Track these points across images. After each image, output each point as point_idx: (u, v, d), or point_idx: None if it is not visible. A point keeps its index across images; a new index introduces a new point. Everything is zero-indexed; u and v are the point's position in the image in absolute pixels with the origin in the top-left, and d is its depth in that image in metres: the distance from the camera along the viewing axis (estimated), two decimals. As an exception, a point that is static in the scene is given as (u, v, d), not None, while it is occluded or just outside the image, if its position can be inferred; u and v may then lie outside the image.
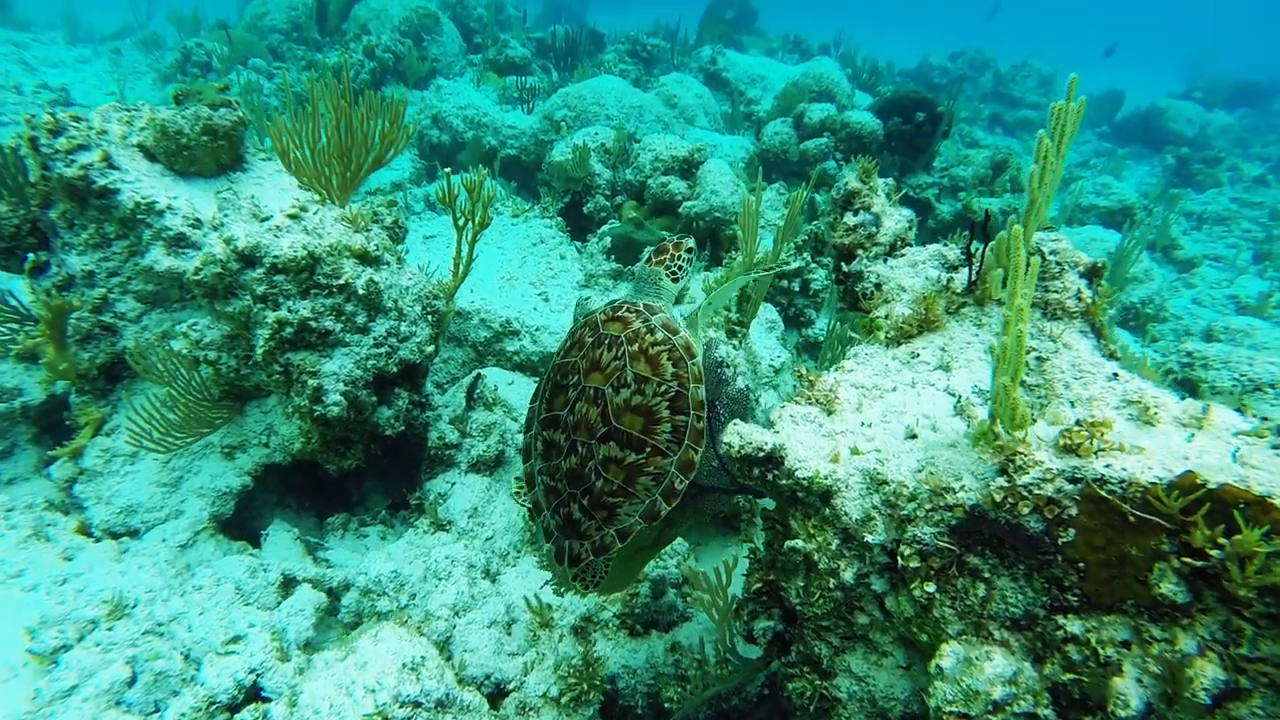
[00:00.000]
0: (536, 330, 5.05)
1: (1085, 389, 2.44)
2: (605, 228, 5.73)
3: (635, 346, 2.48)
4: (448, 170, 3.92)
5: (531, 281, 5.42)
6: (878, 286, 2.88)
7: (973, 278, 2.72)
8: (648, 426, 2.40)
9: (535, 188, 9.33)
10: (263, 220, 3.26)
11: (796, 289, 5.53)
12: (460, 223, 3.86)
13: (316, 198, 3.59)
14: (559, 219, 6.17)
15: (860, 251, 2.95)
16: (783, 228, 4.37)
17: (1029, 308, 1.80)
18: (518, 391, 4.74)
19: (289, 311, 3.20)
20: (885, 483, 2.07)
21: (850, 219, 2.97)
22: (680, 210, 6.33)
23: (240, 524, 4.03)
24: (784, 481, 2.18)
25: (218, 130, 3.99)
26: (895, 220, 3.00)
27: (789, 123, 9.19)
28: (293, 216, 3.28)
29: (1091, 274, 2.68)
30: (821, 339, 5.65)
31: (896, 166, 9.50)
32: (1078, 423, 1.79)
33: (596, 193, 6.89)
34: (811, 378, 2.61)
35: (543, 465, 2.55)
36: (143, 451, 3.56)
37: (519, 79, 11.41)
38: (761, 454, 2.19)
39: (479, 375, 4.36)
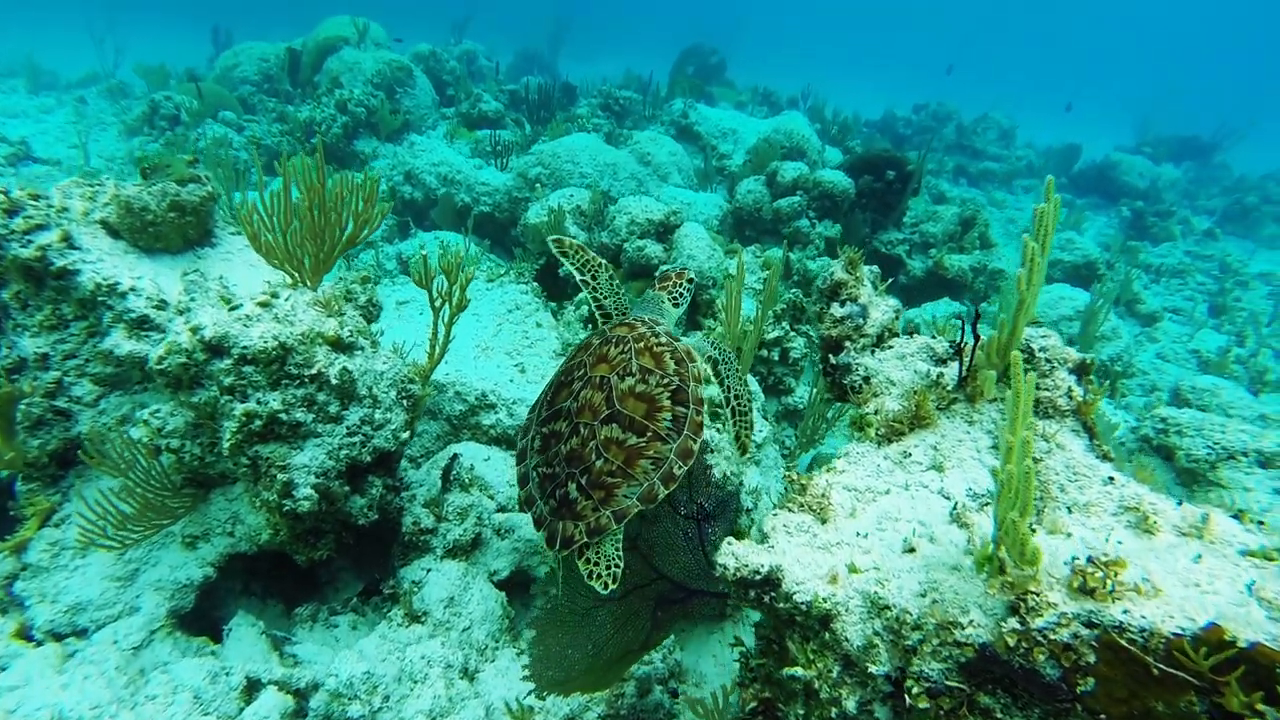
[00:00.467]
0: (513, 404, 4.94)
1: (1081, 493, 2.40)
2: (582, 295, 5.66)
3: (641, 344, 2.62)
4: (424, 252, 3.84)
5: (507, 351, 5.32)
6: (866, 380, 2.84)
7: (963, 373, 2.70)
8: (650, 413, 2.47)
9: (509, 245, 9.30)
10: (232, 308, 3.13)
11: (775, 357, 5.50)
12: (437, 304, 3.76)
13: (288, 280, 3.48)
14: (534, 284, 6.11)
15: (848, 343, 2.92)
16: (762, 304, 4.33)
17: (1034, 439, 1.76)
18: (494, 468, 4.61)
19: (258, 404, 3.06)
20: (887, 608, 1.99)
21: (837, 310, 2.94)
22: (656, 273, 6.30)
23: (201, 614, 3.81)
24: (782, 605, 2.09)
25: (185, 207, 3.88)
26: (882, 311, 2.97)
27: (762, 180, 9.30)
28: (263, 304, 3.16)
29: (1080, 371, 2.67)
30: (801, 407, 5.61)
31: (868, 223, 9.65)
32: (1090, 560, 1.73)
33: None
34: (803, 481, 2.54)
35: (538, 460, 2.58)
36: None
37: (492, 133, 11.44)
38: (758, 576, 2.10)
39: (455, 456, 4.23)
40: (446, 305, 3.76)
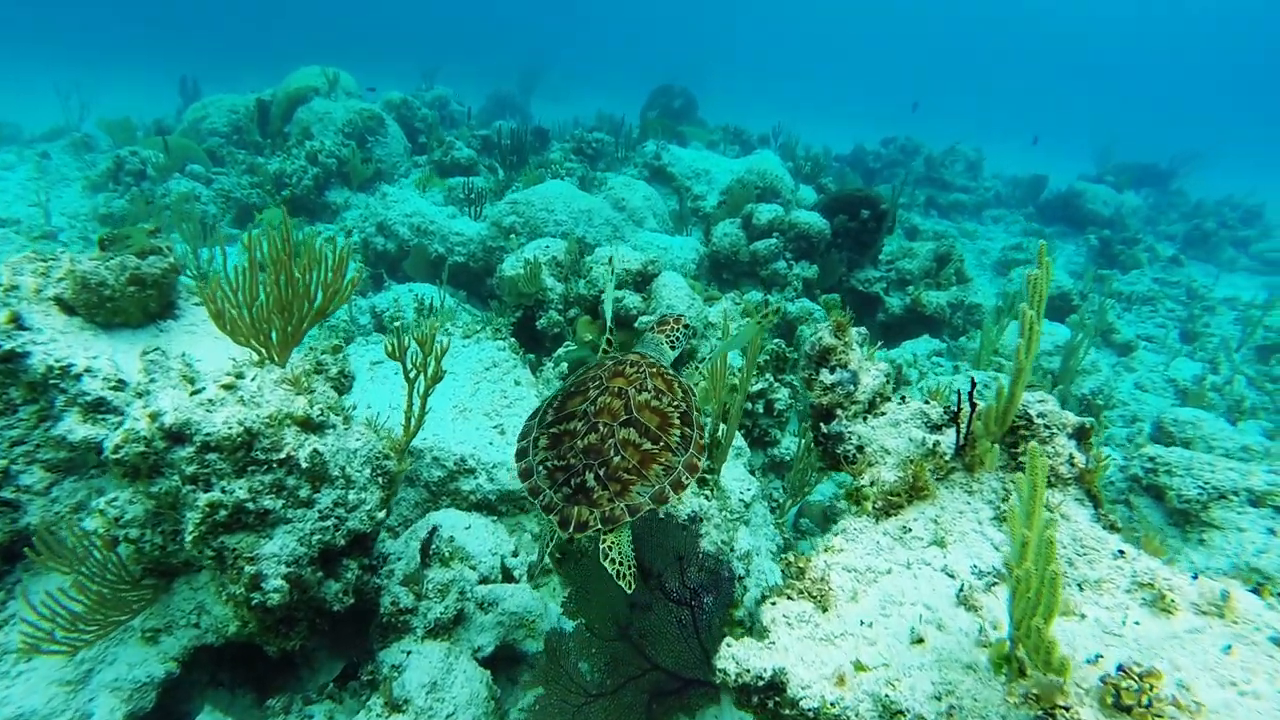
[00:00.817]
0: (493, 468, 4.78)
1: (1091, 568, 2.30)
2: (561, 351, 5.56)
3: (653, 370, 2.82)
4: (397, 324, 3.72)
5: (486, 412, 5.17)
6: (860, 449, 2.74)
7: (960, 442, 2.61)
8: (663, 425, 2.63)
9: (484, 295, 9.19)
10: (194, 391, 2.97)
11: (760, 410, 5.40)
12: (411, 375, 3.62)
13: (254, 357, 3.33)
14: (512, 339, 5.98)
15: (839, 411, 2.82)
16: (745, 365, 4.25)
17: (1056, 537, 1.66)
18: (475, 537, 4.43)
19: (223, 493, 2.89)
20: (901, 714, 1.86)
21: (827, 377, 2.85)
22: (637, 325, 6.22)
23: (165, 711, 3.57)
24: (787, 712, 1.96)
25: (146, 280, 3.72)
26: (873, 376, 2.89)
27: (737, 223, 9.31)
28: (227, 386, 3.01)
29: (1080, 435, 2.59)
30: (788, 458, 5.51)
31: (845, 262, 9.67)
32: (1121, 669, 1.62)
33: (549, 307, 6.75)
34: (801, 564, 2.42)
35: (545, 455, 2.65)
36: (49, 649, 3.13)
37: (466, 180, 11.39)
38: (762, 682, 1.97)
39: (434, 529, 4.06)
40: (421, 376, 3.62)
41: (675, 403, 2.72)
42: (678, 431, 2.65)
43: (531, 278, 6.62)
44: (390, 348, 3.53)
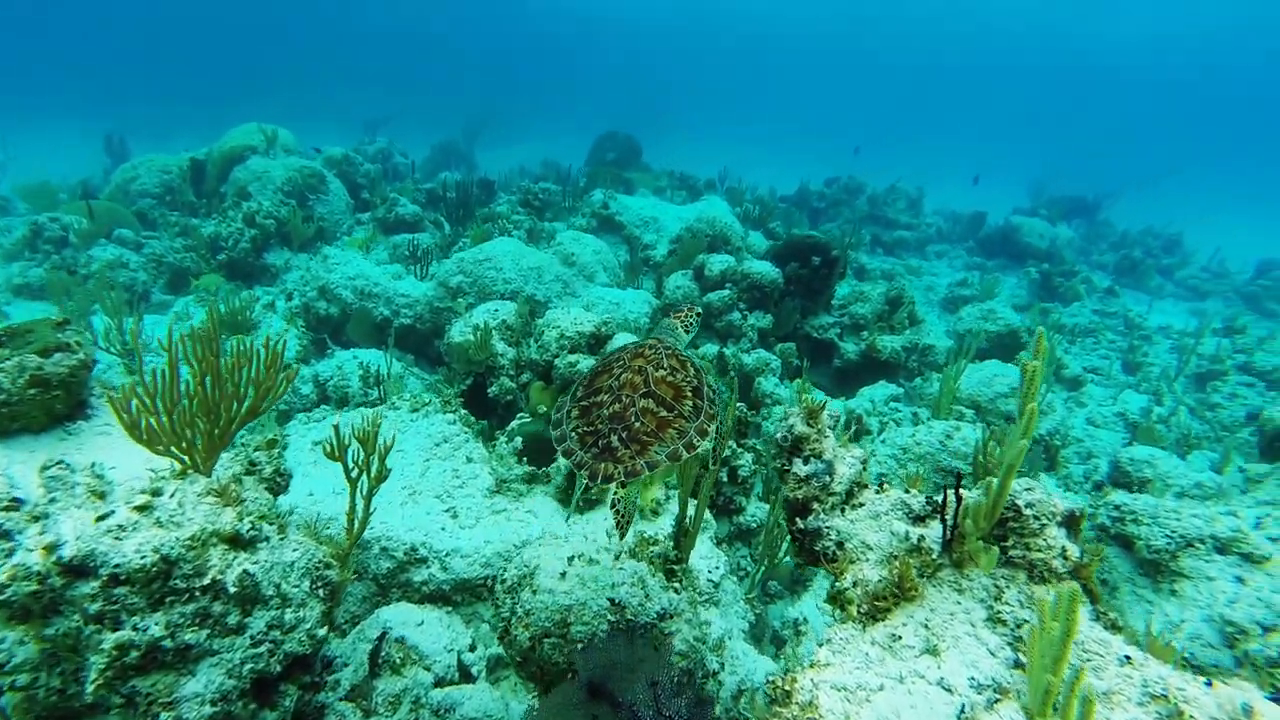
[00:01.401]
0: (446, 555, 4.48)
1: (1098, 678, 2.14)
2: (515, 424, 5.31)
3: (669, 351, 3.20)
4: (336, 422, 3.43)
5: (437, 494, 4.87)
6: (840, 545, 2.57)
7: (947, 537, 2.45)
8: (677, 396, 3.00)
9: (433, 356, 8.90)
10: (101, 517, 2.65)
11: (724, 478, 5.22)
12: (354, 474, 3.34)
13: (176, 467, 3.02)
14: (462, 411, 5.71)
15: (816, 505, 2.65)
16: (713, 449, 4.07)
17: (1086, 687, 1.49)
18: (429, 634, 4.11)
19: (135, 630, 2.57)
20: None
21: (800, 468, 2.68)
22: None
23: None
24: None
25: (50, 380, 3.38)
26: (849, 464, 2.73)
27: (689, 275, 9.23)
28: (142, 508, 2.69)
29: (1070, 523, 2.46)
30: (754, 525, 5.32)
31: (798, 309, 9.65)
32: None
33: (501, 374, 6.51)
34: (786, 686, 2.22)
35: (577, 424, 3.01)
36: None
37: (411, 240, 11.13)
38: None
39: (384, 635, 3.74)
40: (365, 476, 3.34)
41: (688, 378, 3.11)
42: (690, 402, 3.02)
43: (482, 345, 6.38)
44: (329, 448, 3.25)
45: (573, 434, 3.03)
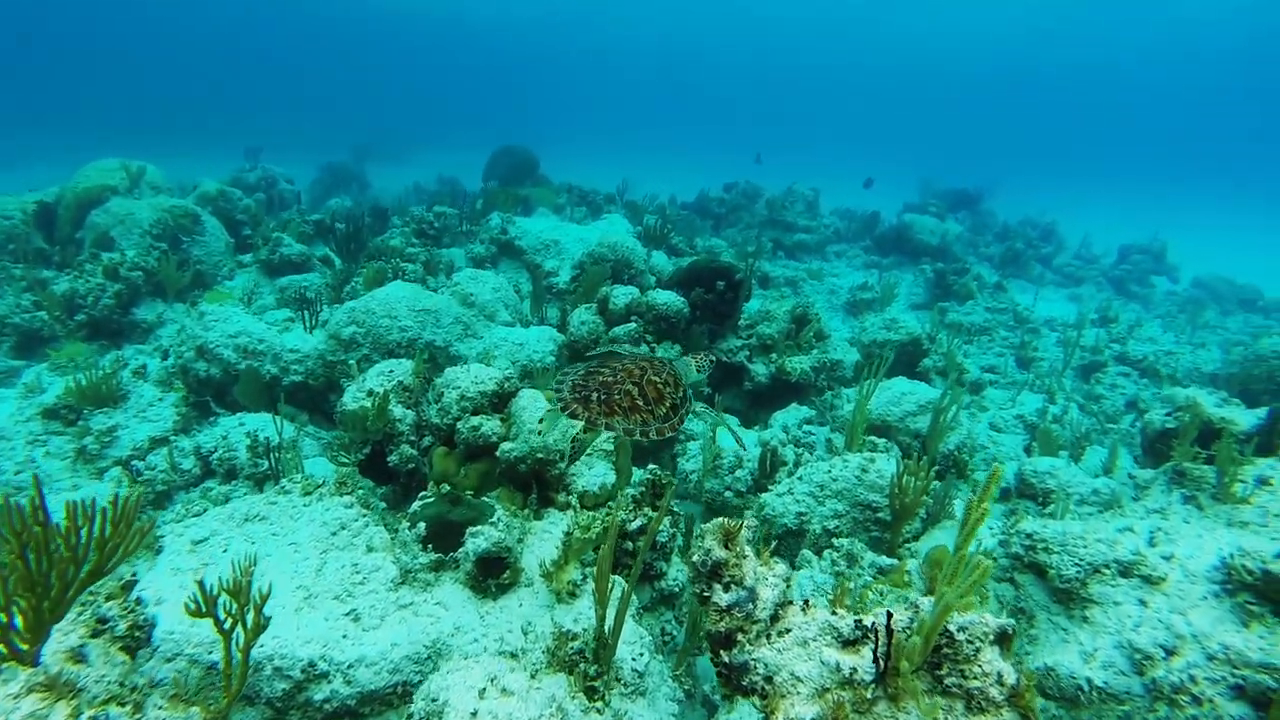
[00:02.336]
0: (350, 667, 4.12)
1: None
2: (417, 505, 4.96)
3: (670, 372, 4.05)
4: (198, 579, 3.06)
5: (336, 595, 4.49)
6: (769, 680, 2.42)
7: (880, 670, 2.34)
8: (657, 400, 3.79)
9: (328, 411, 8.38)
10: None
11: (641, 545, 5.04)
12: (227, 625, 2.98)
13: None
14: (360, 490, 5.33)
15: (740, 636, 2.49)
16: (634, 564, 3.90)
17: None
18: (333, 763, 3.76)
19: None
20: None
21: (722, 597, 2.52)
22: (499, 454, 5.73)
23: None
24: None
25: None
26: (771, 586, 2.59)
27: (593, 309, 9.03)
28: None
29: (1001, 640, 2.39)
30: (676, 589, 5.17)
31: (706, 334, 9.60)
32: None
33: (401, 441, 6.14)
34: None
35: (576, 379, 3.88)
36: None
37: (300, 289, 10.49)
38: None
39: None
40: (240, 628, 2.99)
41: (673, 395, 3.89)
42: (664, 409, 3.80)
43: (380, 412, 5.99)
44: (194, 604, 2.88)
45: (568, 382, 3.89)
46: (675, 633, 5.12)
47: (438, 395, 6.22)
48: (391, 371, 6.46)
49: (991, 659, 2.30)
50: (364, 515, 5.13)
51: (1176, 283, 23.26)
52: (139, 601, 3.11)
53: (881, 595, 4.88)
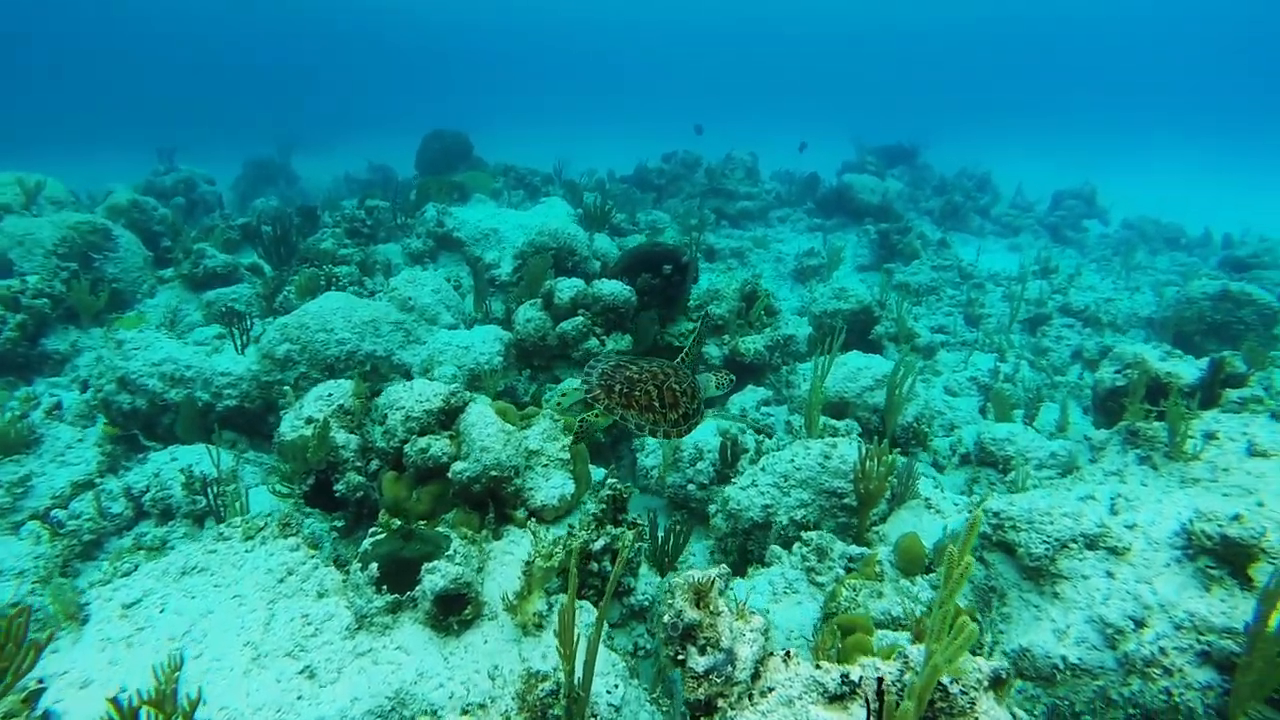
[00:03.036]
0: (307, 731, 3.87)
1: None
2: (368, 544, 4.67)
3: (691, 383, 4.40)
4: (111, 694, 2.77)
5: (287, 651, 4.21)
6: (752, 746, 2.27)
7: (867, 725, 2.20)
8: (672, 404, 4.17)
9: (268, 433, 7.97)
10: None
11: (607, 565, 4.86)
12: (156, 728, 2.71)
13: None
14: (305, 530, 5.03)
15: (721, 702, 2.33)
16: (599, 614, 3.71)
17: None
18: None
19: None
20: None
21: (698, 662, 2.35)
22: (451, 475, 5.47)
23: None
24: None
25: None
26: (750, 642, 2.43)
27: (538, 305, 8.74)
28: None
29: (996, 685, 2.27)
30: (645, 604, 5.02)
31: (656, 320, 9.40)
32: None
33: (347, 468, 5.82)
34: None
35: (603, 371, 4.29)
36: None
37: (228, 307, 9.93)
38: None
39: None
40: (170, 731, 2.72)
41: (687, 403, 4.28)
42: (677, 414, 4.19)
43: (320, 441, 5.66)
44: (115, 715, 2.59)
45: (597, 373, 4.30)
46: (648, 646, 4.98)
47: (381, 417, 5.91)
48: (330, 395, 6.11)
49: (988, 708, 2.18)
50: (312, 556, 4.84)
51: (1108, 225, 23.86)
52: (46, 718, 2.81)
53: (855, 591, 4.81)
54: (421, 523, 5.18)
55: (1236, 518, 4.61)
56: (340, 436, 5.88)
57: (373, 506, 5.95)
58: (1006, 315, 12.68)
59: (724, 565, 3.64)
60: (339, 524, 6.03)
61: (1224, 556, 4.56)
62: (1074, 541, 4.90)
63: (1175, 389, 6.72)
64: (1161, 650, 4.28)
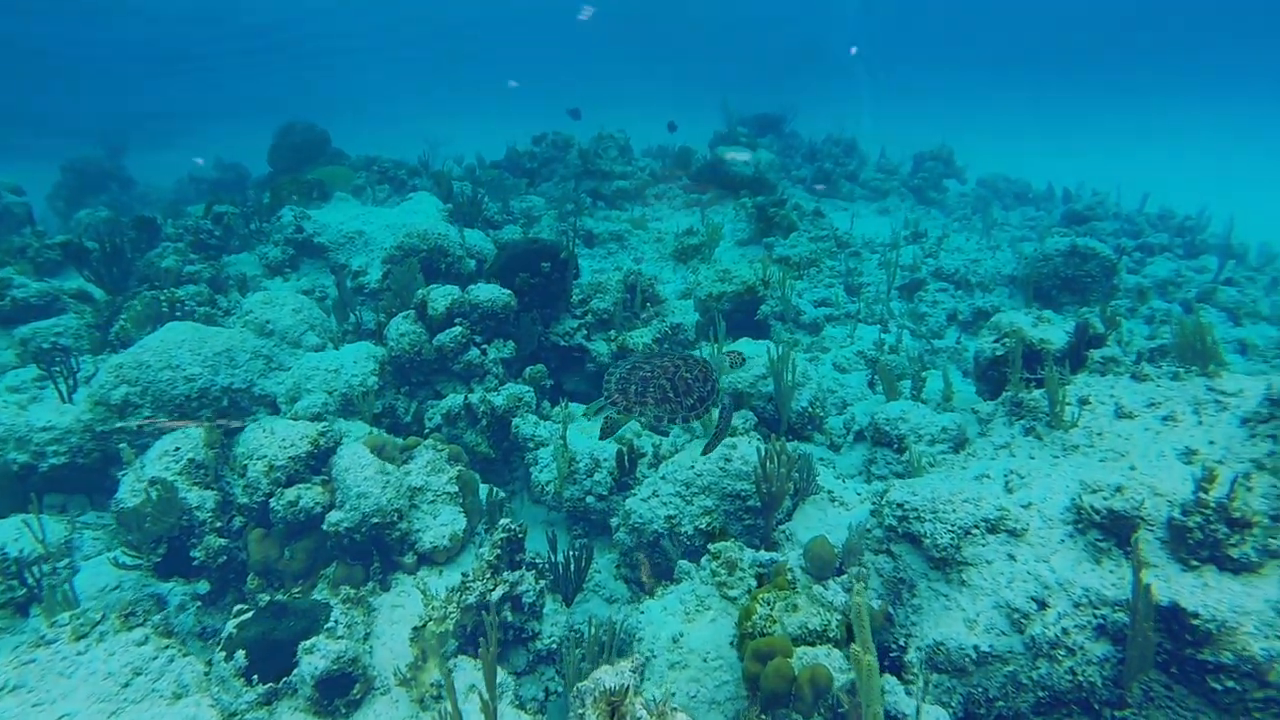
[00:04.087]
0: None
1: None
2: (233, 626, 4.09)
3: (702, 368, 4.84)
4: None
5: (140, 775, 3.63)
6: None
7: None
8: (685, 392, 4.62)
9: (111, 488, 7.05)
10: None
11: (507, 615, 4.48)
12: None
13: None
14: (157, 617, 4.38)
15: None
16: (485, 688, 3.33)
17: None
18: None
19: None
20: None
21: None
22: (326, 526, 4.93)
23: None
24: None
25: None
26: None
27: (411, 316, 8.13)
28: None
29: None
30: (553, 648, 4.70)
31: (539, 321, 8.98)
32: None
33: (205, 531, 5.15)
34: None
35: (621, 375, 4.74)
36: None
37: (50, 337, 8.73)
38: None
39: None
40: None
41: (702, 389, 4.68)
42: (691, 399, 4.60)
43: (165, 507, 4.96)
44: None
45: (614, 379, 4.70)
46: (559, 689, 4.67)
47: (241, 468, 5.26)
48: (177, 449, 5.39)
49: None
50: (165, 648, 4.21)
51: (965, 184, 25.11)
52: None
53: (770, 605, 4.66)
54: (297, 589, 4.64)
55: (1119, 489, 4.75)
56: (193, 496, 5.20)
57: (241, 568, 5.32)
58: (884, 283, 13.01)
59: (638, 656, 3.34)
60: (203, 590, 5.37)
61: (1110, 529, 4.70)
62: (976, 527, 4.93)
63: (1049, 355, 6.98)
64: (1064, 630, 4.36)
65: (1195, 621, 4.03)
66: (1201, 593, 4.16)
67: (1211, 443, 5.31)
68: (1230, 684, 3.98)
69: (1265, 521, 4.37)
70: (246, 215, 13.55)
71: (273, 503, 5.02)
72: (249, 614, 4.19)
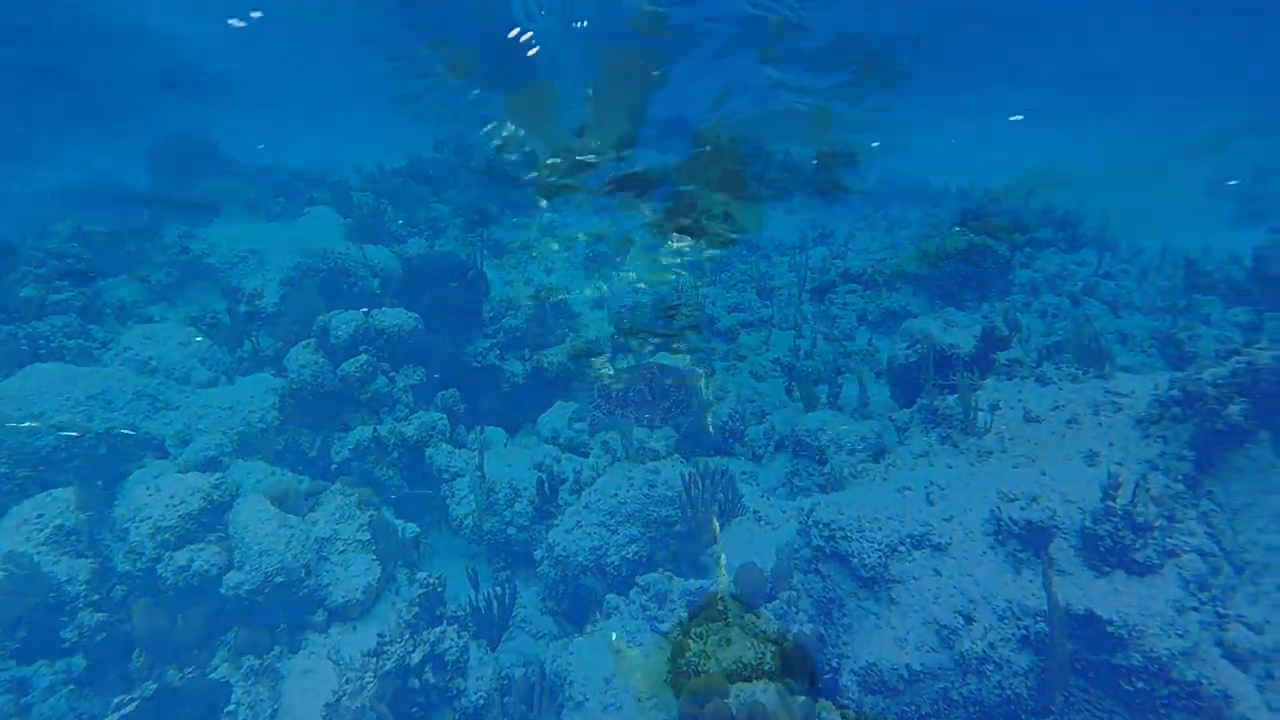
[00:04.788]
0: None
1: None
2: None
3: (673, 367, 4.84)
4: None
5: None
6: None
7: None
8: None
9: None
10: None
11: (429, 675, 4.19)
12: None
13: None
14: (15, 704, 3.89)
15: None
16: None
17: None
18: None
19: None
20: None
21: None
22: (224, 589, 4.52)
23: None
24: None
25: None
26: None
27: (312, 346, 7.64)
28: None
29: None
30: (480, 704, 4.45)
31: (452, 343, 8.63)
32: None
33: (78, 607, 4.64)
34: None
35: (602, 388, 4.55)
36: None
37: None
38: None
39: None
40: None
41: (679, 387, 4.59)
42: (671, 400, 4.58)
43: (27, 583, 4.43)
44: None
45: (598, 394, 4.52)
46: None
47: (122, 531, 4.76)
48: (40, 516, 4.83)
49: None
50: (35, 750, 3.74)
51: (865, 182, 25.87)
52: None
53: (703, 640, 4.55)
54: (191, 669, 4.22)
55: (1034, 499, 4.87)
56: (62, 568, 4.66)
57: (125, 640, 4.82)
58: (795, 287, 13.18)
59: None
60: (79, 668, 4.84)
61: (1027, 539, 4.80)
62: (903, 544, 4.96)
63: (959, 359, 7.15)
64: (991, 645, 4.42)
65: (1110, 629, 4.15)
66: (1113, 599, 4.29)
67: (1111, 444, 5.52)
68: (1140, 685, 4.12)
69: (1163, 523, 4.55)
70: (124, 233, 12.52)
71: (160, 569, 4.56)
72: (132, 705, 3.77)
